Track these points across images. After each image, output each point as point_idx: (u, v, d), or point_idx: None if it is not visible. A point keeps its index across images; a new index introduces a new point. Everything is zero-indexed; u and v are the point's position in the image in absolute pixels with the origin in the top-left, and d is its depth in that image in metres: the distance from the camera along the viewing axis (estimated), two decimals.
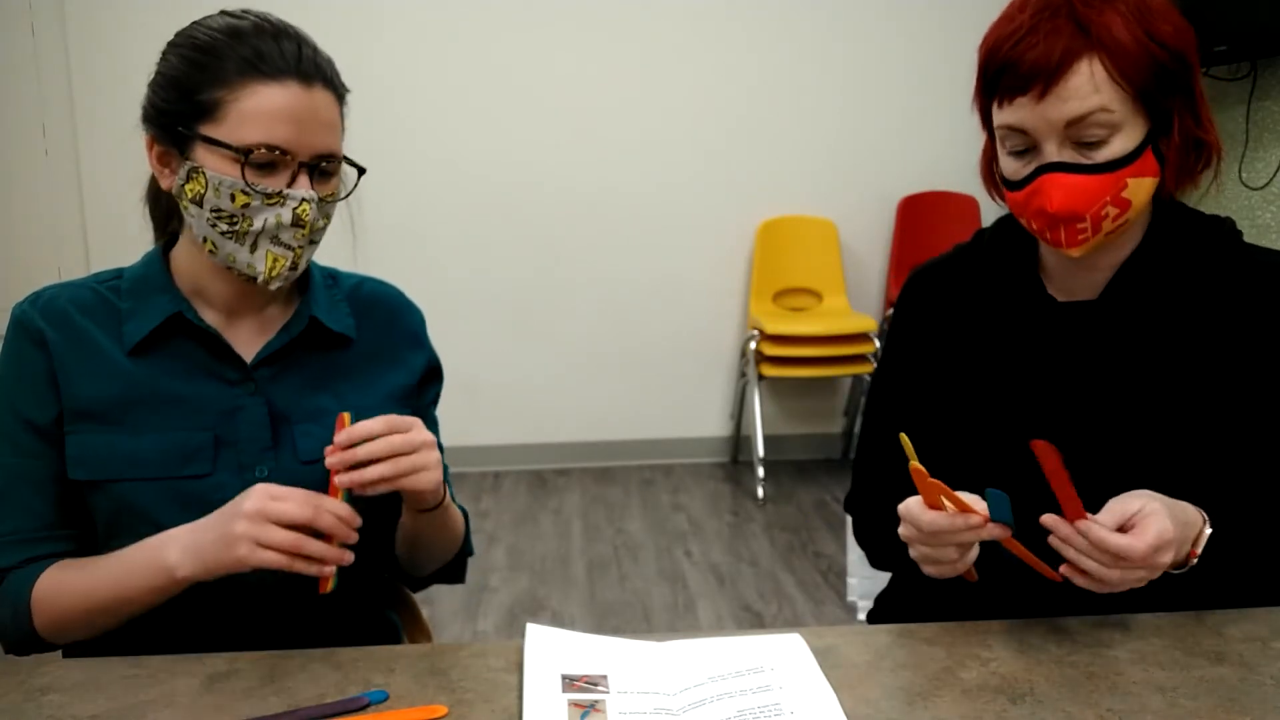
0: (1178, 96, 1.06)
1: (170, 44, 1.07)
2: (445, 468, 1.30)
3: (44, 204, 3.94)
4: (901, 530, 1.04)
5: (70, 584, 1.04)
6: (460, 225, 4.06)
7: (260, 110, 1.01)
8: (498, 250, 4.09)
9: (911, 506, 1.02)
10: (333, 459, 0.99)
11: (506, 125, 4.02)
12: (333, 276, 1.22)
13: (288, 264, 1.06)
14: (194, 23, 1.07)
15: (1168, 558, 0.96)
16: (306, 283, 1.18)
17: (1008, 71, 1.04)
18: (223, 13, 1.07)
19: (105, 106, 3.83)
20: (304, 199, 1.03)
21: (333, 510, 0.98)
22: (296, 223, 1.03)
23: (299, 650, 1.00)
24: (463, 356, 4.06)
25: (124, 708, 0.90)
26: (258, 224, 1.03)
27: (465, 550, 1.25)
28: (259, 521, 0.95)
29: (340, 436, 1.00)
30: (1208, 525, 1.03)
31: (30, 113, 3.89)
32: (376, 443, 0.99)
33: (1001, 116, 1.07)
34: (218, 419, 1.09)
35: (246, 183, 1.01)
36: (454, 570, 1.26)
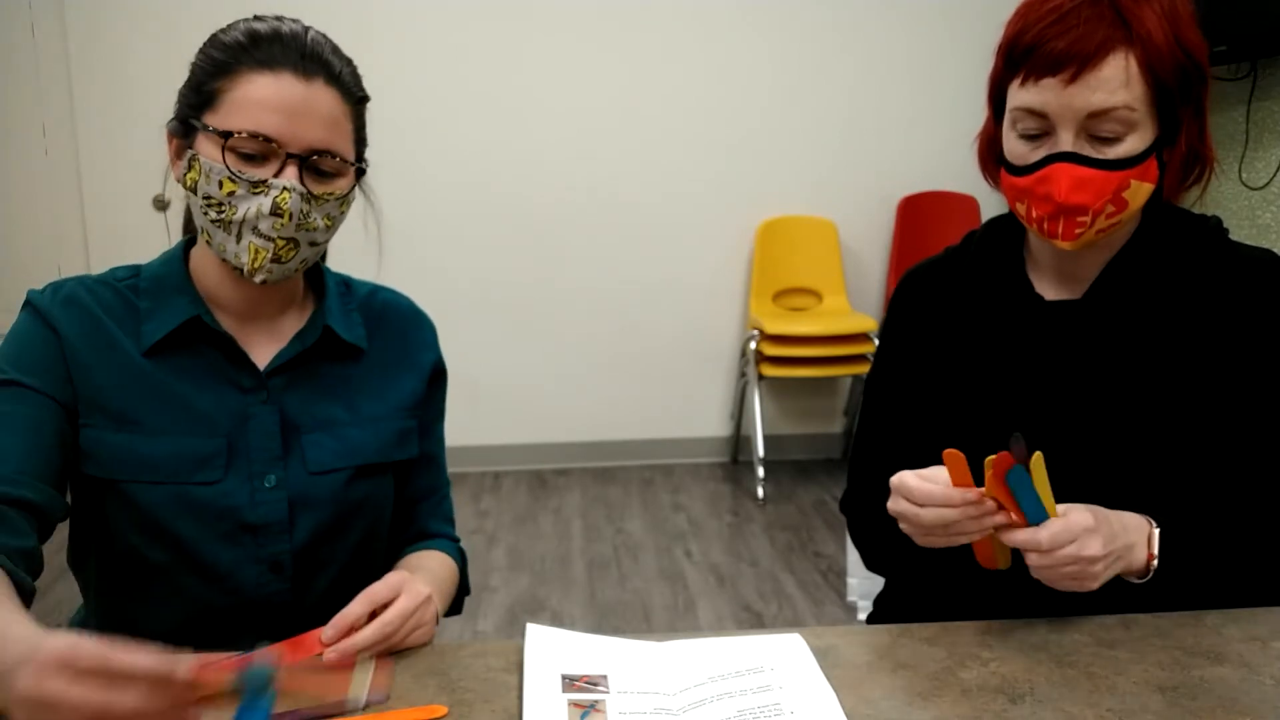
0: (1190, 106, 1.06)
1: (202, 44, 1.08)
2: (448, 484, 1.29)
3: (44, 204, 3.94)
4: (891, 504, 1.03)
5: None
6: (461, 225, 4.06)
7: (250, 98, 1.01)
8: (498, 250, 4.09)
9: (906, 478, 1.01)
10: (330, 657, 0.93)
11: (508, 126, 4.02)
12: (346, 284, 1.22)
13: (269, 256, 1.03)
14: (226, 25, 1.08)
15: (1093, 548, 0.96)
16: (322, 291, 1.17)
17: (1039, 50, 1.02)
18: (255, 17, 1.08)
19: (105, 106, 3.82)
20: (285, 188, 1.01)
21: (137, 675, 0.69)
22: (275, 211, 1.02)
23: None
24: (463, 356, 4.04)
25: None
26: (241, 212, 1.02)
27: (463, 590, 1.25)
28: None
29: (328, 631, 0.94)
30: (1155, 527, 1.03)
31: (30, 113, 3.89)
32: (368, 632, 0.95)
33: (1022, 96, 1.05)
34: (230, 426, 1.08)
35: (229, 168, 1.01)
36: (451, 609, 1.24)
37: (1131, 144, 1.03)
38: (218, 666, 0.73)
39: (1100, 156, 1.03)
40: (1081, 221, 1.05)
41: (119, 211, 3.80)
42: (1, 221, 3.93)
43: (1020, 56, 1.05)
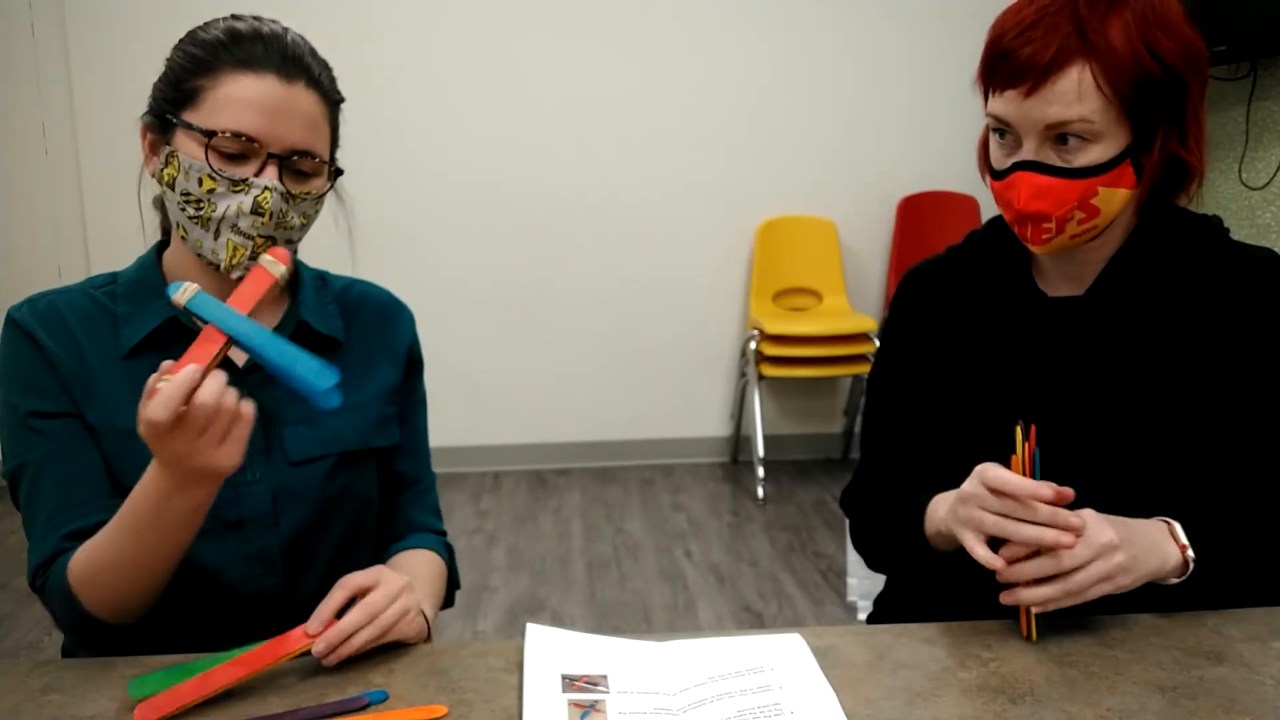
0: (1165, 114, 1.05)
1: (178, 41, 1.09)
2: (433, 476, 1.30)
3: (44, 204, 3.94)
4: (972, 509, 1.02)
5: (94, 544, 1.00)
6: (461, 226, 4.06)
7: (233, 98, 1.02)
8: (498, 251, 4.09)
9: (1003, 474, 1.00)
10: (320, 648, 0.95)
11: (507, 125, 4.01)
12: (322, 278, 1.23)
13: (247, 254, 1.05)
14: (204, 23, 1.08)
15: (1108, 535, 0.96)
16: (297, 285, 1.18)
17: (1004, 62, 1.04)
18: (232, 16, 1.08)
19: (105, 106, 3.83)
20: (266, 187, 1.03)
21: None
22: (256, 210, 1.03)
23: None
24: (463, 356, 4.07)
25: (124, 708, 0.90)
26: (220, 210, 1.03)
27: (453, 584, 1.26)
28: None
29: (312, 623, 0.96)
30: (1175, 522, 1.03)
31: (30, 113, 3.89)
32: (353, 615, 0.96)
33: (992, 105, 1.08)
34: None
35: (211, 167, 1.02)
36: (443, 603, 1.25)
37: (1097, 153, 1.03)
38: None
39: (1064, 165, 1.04)
40: (1046, 228, 1.07)
41: (119, 211, 3.79)
42: (1, 221, 3.93)
43: (991, 66, 1.07)
